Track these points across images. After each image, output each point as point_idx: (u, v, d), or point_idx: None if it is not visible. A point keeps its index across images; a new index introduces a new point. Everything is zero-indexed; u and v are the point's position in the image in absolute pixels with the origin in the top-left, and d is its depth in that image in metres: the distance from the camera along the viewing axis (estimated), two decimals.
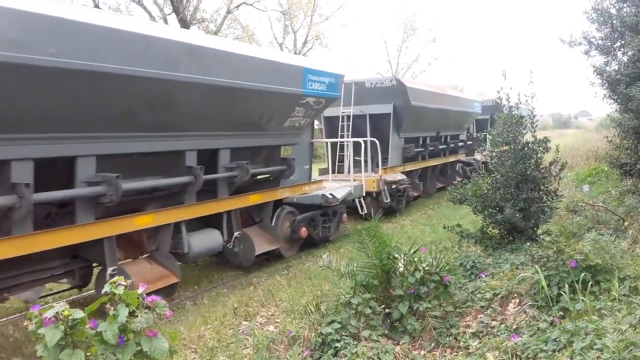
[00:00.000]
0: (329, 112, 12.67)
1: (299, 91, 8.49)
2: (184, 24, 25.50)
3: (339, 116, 13.18)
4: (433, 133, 15.98)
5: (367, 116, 13.29)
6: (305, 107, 8.86)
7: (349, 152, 11.79)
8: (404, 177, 13.25)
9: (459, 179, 16.91)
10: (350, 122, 12.98)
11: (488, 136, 7.62)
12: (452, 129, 17.58)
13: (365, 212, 10.98)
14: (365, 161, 11.84)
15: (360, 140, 11.53)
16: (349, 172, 11.84)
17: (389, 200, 12.24)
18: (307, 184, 9.92)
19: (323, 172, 12.72)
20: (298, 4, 32.04)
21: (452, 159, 17.81)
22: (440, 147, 16.55)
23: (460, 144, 18.36)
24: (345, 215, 10.46)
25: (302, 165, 9.72)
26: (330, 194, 9.51)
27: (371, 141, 12.21)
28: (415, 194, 14.55)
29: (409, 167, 14.47)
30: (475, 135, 20.65)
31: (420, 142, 15.29)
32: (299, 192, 9.43)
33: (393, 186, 12.63)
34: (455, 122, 17.44)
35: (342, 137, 12.93)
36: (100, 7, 23.92)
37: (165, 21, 26.46)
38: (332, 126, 13.55)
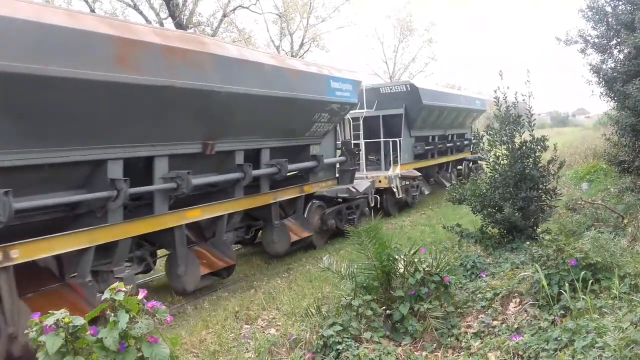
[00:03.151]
0: None
1: None
2: (181, 27, 25.51)
3: None
4: (194, 147, 7.09)
5: None
6: None
7: None
8: None
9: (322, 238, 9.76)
10: None
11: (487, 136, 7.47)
12: (282, 134, 8.98)
13: None
14: None
15: None
16: None
17: None
18: None
19: None
20: (294, 7, 32.05)
21: (289, 194, 9.23)
22: (221, 178, 7.73)
23: (309, 164, 9.70)
24: None
25: None
26: None
27: None
28: None
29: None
30: (353, 144, 11.86)
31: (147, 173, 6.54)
32: None
33: None
34: (287, 119, 8.79)
35: None
36: (95, 12, 23.94)
37: (162, 25, 26.47)
38: None
